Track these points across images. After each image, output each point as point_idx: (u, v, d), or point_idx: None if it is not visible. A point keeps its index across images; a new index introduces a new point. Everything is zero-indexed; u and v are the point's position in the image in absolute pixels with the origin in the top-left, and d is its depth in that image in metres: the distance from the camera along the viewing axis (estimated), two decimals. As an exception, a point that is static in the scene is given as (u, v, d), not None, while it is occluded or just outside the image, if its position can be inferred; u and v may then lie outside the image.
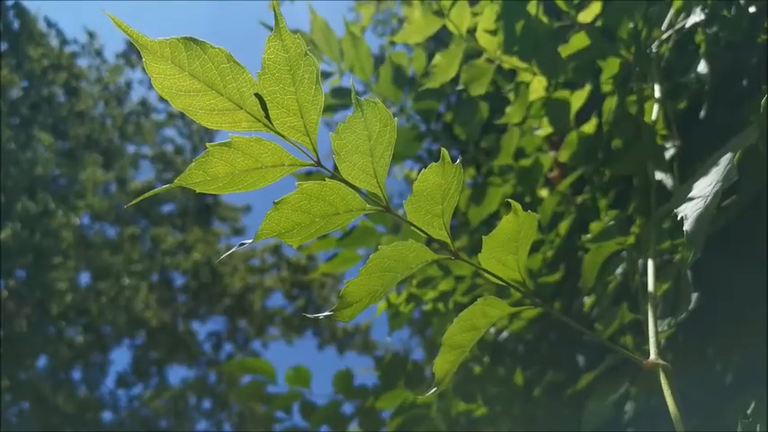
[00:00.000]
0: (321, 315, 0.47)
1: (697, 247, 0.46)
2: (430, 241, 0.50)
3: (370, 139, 0.44)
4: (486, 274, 0.50)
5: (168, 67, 0.40)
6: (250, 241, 0.45)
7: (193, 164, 0.42)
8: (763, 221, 0.82)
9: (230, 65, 0.41)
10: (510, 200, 0.46)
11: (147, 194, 0.43)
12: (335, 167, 0.46)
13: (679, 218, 0.49)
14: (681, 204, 0.51)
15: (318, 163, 0.45)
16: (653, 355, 0.51)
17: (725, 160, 0.51)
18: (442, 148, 0.44)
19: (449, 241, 0.49)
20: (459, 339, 0.50)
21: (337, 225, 0.47)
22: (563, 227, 1.19)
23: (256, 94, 0.42)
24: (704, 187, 0.50)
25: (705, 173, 0.53)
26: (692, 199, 0.50)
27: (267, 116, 0.43)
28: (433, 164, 0.44)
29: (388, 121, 0.43)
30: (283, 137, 0.44)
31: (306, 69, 0.42)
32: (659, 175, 0.83)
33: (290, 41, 0.41)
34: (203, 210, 9.85)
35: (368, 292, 0.48)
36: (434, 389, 0.49)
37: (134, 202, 0.44)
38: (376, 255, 0.47)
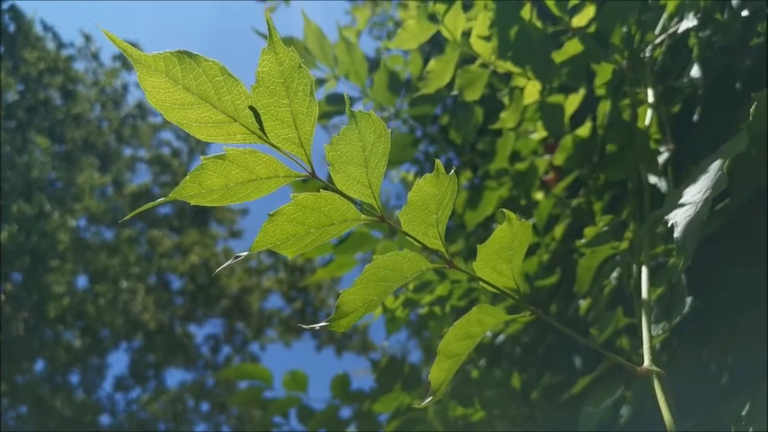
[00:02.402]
0: (317, 326, 0.47)
1: (688, 253, 0.46)
2: (426, 248, 0.50)
3: (365, 150, 0.44)
4: (481, 283, 0.50)
5: (162, 80, 0.40)
6: (245, 254, 0.45)
7: (188, 177, 0.42)
8: (759, 223, 0.83)
9: (224, 78, 0.41)
10: (504, 210, 0.47)
11: (144, 207, 0.43)
12: (328, 177, 0.47)
13: (669, 225, 0.49)
14: (671, 211, 0.51)
15: (313, 174, 0.45)
16: (647, 362, 0.51)
17: (714, 167, 0.52)
18: (437, 160, 0.44)
19: (444, 250, 0.49)
20: (455, 348, 0.50)
21: (332, 235, 0.47)
22: (558, 230, 1.19)
23: (250, 107, 0.42)
24: (694, 194, 0.50)
25: (695, 180, 0.53)
26: (682, 206, 0.51)
27: (261, 128, 0.43)
28: (428, 174, 0.45)
29: (382, 132, 0.44)
30: (278, 149, 0.44)
31: (300, 81, 0.42)
32: (653, 179, 0.83)
33: (283, 54, 0.41)
34: (200, 212, 9.84)
35: (363, 302, 0.48)
36: (431, 398, 0.50)
37: (132, 213, 0.44)
38: (371, 265, 0.47)
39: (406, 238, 0.49)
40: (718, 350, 0.91)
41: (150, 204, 0.43)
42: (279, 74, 0.41)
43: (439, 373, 0.50)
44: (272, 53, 0.41)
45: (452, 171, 0.45)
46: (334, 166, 0.44)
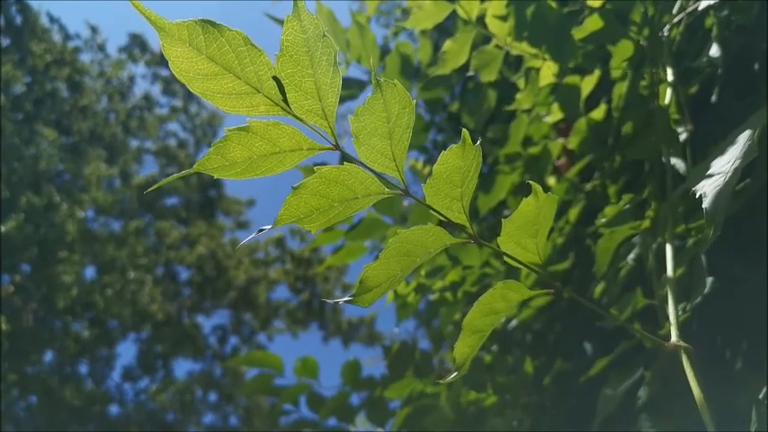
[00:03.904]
0: (340, 300, 0.46)
1: (717, 224, 0.45)
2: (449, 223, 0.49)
3: (389, 122, 0.43)
4: (507, 258, 0.49)
5: (186, 50, 0.40)
6: (268, 227, 0.44)
7: (212, 149, 0.42)
8: (760, 218, 0.82)
9: (248, 48, 0.41)
10: (530, 182, 0.46)
11: (162, 182, 0.42)
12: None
13: (698, 195, 0.48)
14: (699, 182, 0.50)
15: (337, 146, 0.45)
16: (674, 337, 0.51)
17: (743, 138, 0.51)
18: (464, 129, 0.43)
19: (468, 225, 0.48)
20: (479, 324, 0.49)
21: (356, 210, 0.46)
22: (573, 214, 1.18)
23: (274, 77, 0.42)
24: (723, 164, 0.50)
25: (722, 152, 0.53)
26: (710, 176, 0.50)
27: (285, 99, 0.42)
28: (453, 145, 0.44)
29: (407, 102, 0.43)
30: (301, 120, 0.44)
31: (324, 51, 0.41)
32: (673, 160, 0.82)
33: (308, 22, 0.40)
34: (207, 203, 9.86)
35: (387, 276, 0.47)
36: (455, 373, 0.49)
37: (157, 185, 0.43)
38: (395, 239, 0.46)
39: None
40: (731, 337, 0.90)
41: (174, 177, 0.42)
42: (303, 42, 0.41)
43: (463, 348, 0.49)
44: (297, 20, 0.40)
45: (478, 143, 0.44)
46: (358, 138, 0.44)
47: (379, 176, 0.46)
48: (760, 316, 0.80)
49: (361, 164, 0.45)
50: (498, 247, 0.50)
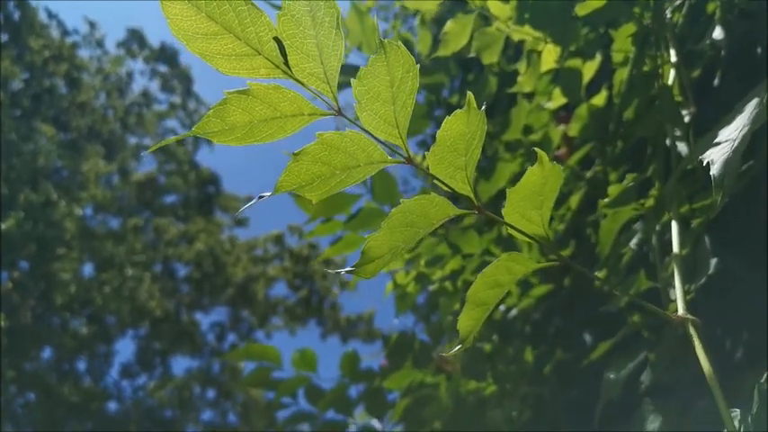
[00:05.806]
0: (343, 270, 0.46)
1: (725, 190, 0.45)
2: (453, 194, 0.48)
3: (393, 86, 0.42)
4: (511, 230, 0.49)
5: (185, 6, 0.39)
6: (269, 194, 0.44)
7: (211, 112, 0.41)
8: (760, 211, 0.81)
9: (248, 8, 0.40)
10: (536, 149, 0.45)
11: (168, 141, 0.41)
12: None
13: (705, 163, 0.48)
14: (706, 151, 0.49)
15: (339, 112, 0.44)
16: (681, 311, 0.50)
17: (751, 105, 0.50)
18: (469, 92, 0.42)
19: (472, 196, 0.47)
20: (483, 296, 0.48)
21: (358, 179, 0.45)
22: (574, 201, 1.18)
23: (275, 38, 0.41)
24: (731, 132, 0.49)
25: (729, 121, 0.52)
26: (718, 144, 0.49)
27: (286, 62, 0.41)
28: (458, 111, 0.43)
29: (410, 66, 0.42)
30: (303, 84, 0.43)
31: (326, 12, 0.40)
32: (679, 144, 0.82)
33: (310, -20, 0.39)
34: (205, 200, 9.84)
35: (389, 247, 0.46)
36: (459, 346, 0.48)
37: (156, 146, 0.42)
38: (398, 209, 0.45)
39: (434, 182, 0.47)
40: (731, 327, 0.90)
41: (174, 138, 0.41)
42: (305, 1, 0.40)
43: (467, 321, 0.48)
44: (299, -23, 0.39)
45: (483, 108, 0.43)
46: (360, 102, 0.43)
47: (382, 144, 0.45)
48: (759, 313, 0.80)
49: (364, 131, 0.44)
50: (502, 219, 0.49)
